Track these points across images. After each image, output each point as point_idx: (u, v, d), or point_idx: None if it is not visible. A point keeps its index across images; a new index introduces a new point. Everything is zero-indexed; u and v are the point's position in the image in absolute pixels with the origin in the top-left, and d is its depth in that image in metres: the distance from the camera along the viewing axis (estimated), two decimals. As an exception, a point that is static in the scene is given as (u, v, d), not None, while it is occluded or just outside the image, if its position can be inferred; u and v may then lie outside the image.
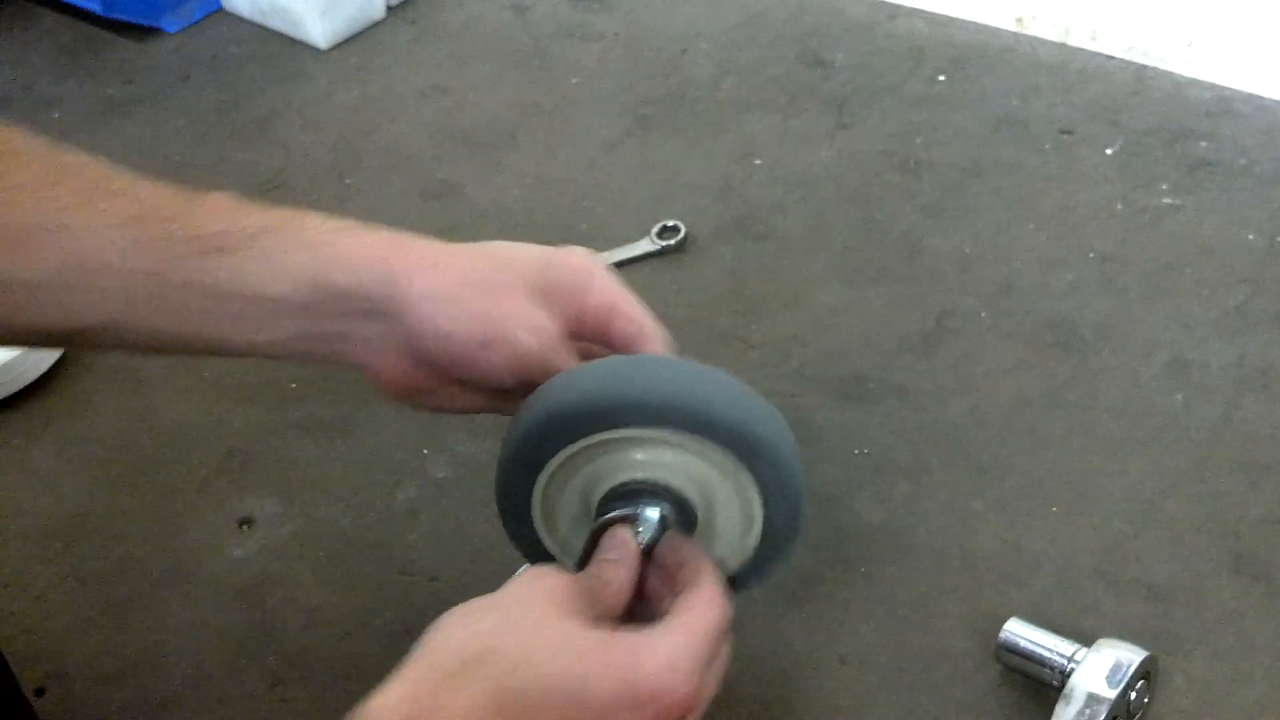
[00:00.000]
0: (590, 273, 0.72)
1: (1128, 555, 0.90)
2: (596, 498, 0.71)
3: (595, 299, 0.72)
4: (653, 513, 0.68)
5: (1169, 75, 1.36)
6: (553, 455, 0.70)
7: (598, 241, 1.20)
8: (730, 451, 0.67)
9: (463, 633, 0.56)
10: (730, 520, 0.71)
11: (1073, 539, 0.92)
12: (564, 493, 0.73)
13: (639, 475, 0.69)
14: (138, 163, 1.33)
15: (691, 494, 0.69)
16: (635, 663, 0.57)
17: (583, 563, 0.67)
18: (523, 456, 0.70)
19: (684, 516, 0.69)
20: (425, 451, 1.00)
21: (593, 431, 0.67)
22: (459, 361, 0.68)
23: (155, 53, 1.54)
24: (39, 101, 1.47)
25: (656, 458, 0.69)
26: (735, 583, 0.73)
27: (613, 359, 0.70)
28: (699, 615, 0.62)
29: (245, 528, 0.95)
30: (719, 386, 0.68)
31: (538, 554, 0.77)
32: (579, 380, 0.68)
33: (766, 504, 0.69)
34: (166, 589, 0.92)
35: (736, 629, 0.87)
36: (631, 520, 0.68)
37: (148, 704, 0.84)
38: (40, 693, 0.85)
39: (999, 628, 0.83)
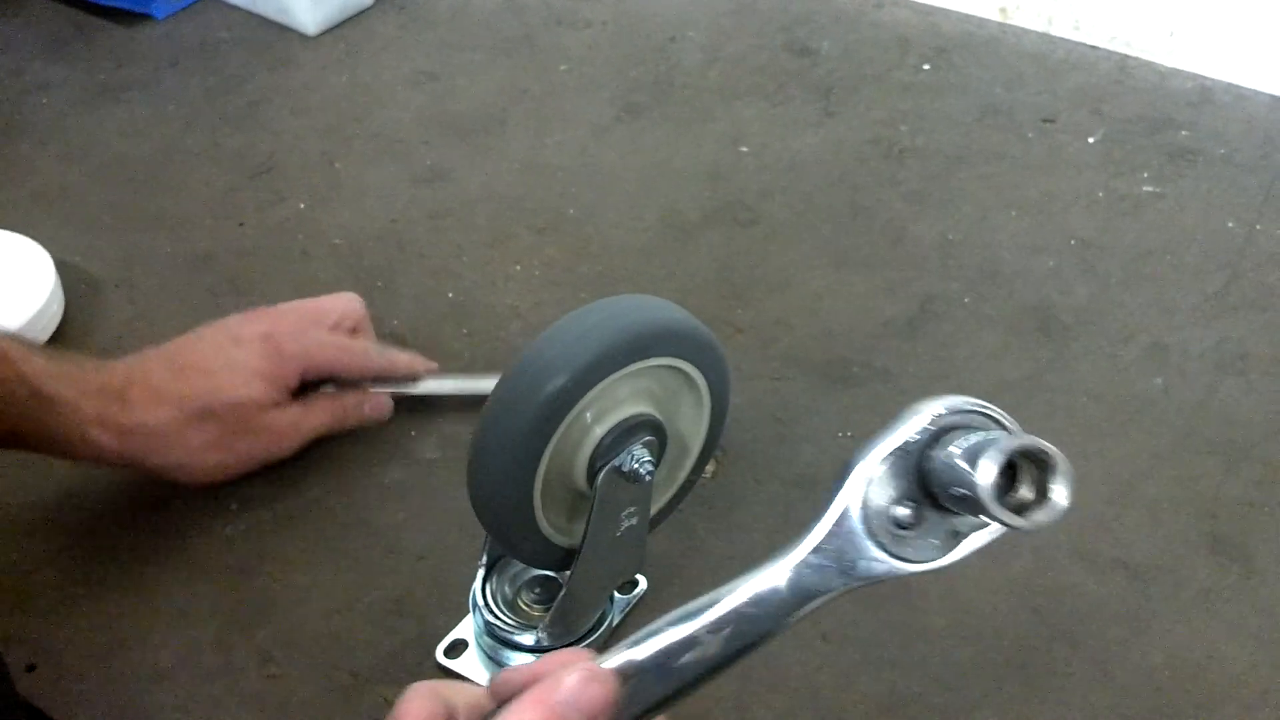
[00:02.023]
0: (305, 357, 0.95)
1: (1107, 535, 0.92)
2: (581, 465, 0.75)
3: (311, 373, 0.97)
4: (643, 451, 0.76)
5: (1151, 65, 1.38)
6: (546, 445, 0.73)
7: (587, 225, 1.21)
8: (688, 359, 0.76)
9: None
10: (687, 409, 0.80)
11: (1052, 519, 0.93)
12: (551, 482, 0.76)
13: (617, 419, 0.75)
14: (129, 148, 1.34)
15: (656, 411, 0.77)
16: None
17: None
18: (527, 440, 0.73)
19: (660, 435, 0.77)
20: (413, 433, 1.01)
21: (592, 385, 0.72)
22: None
23: (144, 38, 1.55)
24: (29, 86, 1.47)
25: (620, 397, 0.75)
26: (706, 452, 0.84)
27: (558, 325, 0.74)
28: None
29: (234, 506, 0.96)
30: (660, 309, 0.76)
31: (537, 552, 0.80)
32: (553, 352, 0.72)
33: (710, 383, 0.79)
34: (156, 566, 0.92)
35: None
36: (633, 476, 0.76)
37: (138, 679, 0.85)
38: (31, 668, 0.86)
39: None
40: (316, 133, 1.37)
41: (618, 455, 0.75)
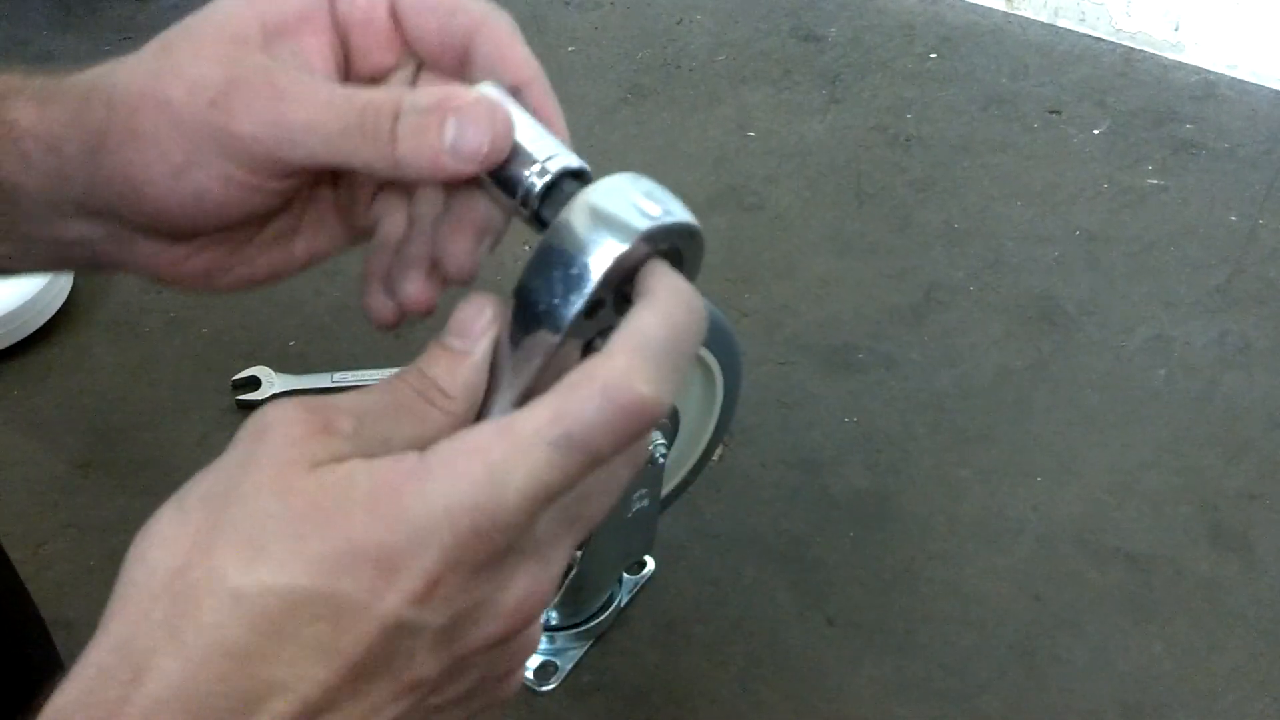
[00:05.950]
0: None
1: (1109, 525, 0.93)
2: None
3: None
4: (655, 433, 0.76)
5: (1155, 58, 1.38)
6: None
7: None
8: (706, 346, 0.76)
9: (163, 554, 0.34)
10: (701, 394, 0.81)
11: (1055, 508, 0.94)
12: None
13: None
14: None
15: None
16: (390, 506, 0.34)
17: None
18: None
19: (673, 418, 0.78)
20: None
21: None
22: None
23: (153, 10, 1.54)
24: (35, 56, 1.46)
25: None
26: (717, 436, 0.84)
27: None
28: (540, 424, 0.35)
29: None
30: None
31: None
32: None
33: (724, 370, 0.79)
34: (167, 540, 0.93)
35: (724, 587, 0.90)
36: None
37: (149, 651, 0.85)
38: (42, 638, 0.86)
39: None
40: (323, 109, 1.36)
41: None
